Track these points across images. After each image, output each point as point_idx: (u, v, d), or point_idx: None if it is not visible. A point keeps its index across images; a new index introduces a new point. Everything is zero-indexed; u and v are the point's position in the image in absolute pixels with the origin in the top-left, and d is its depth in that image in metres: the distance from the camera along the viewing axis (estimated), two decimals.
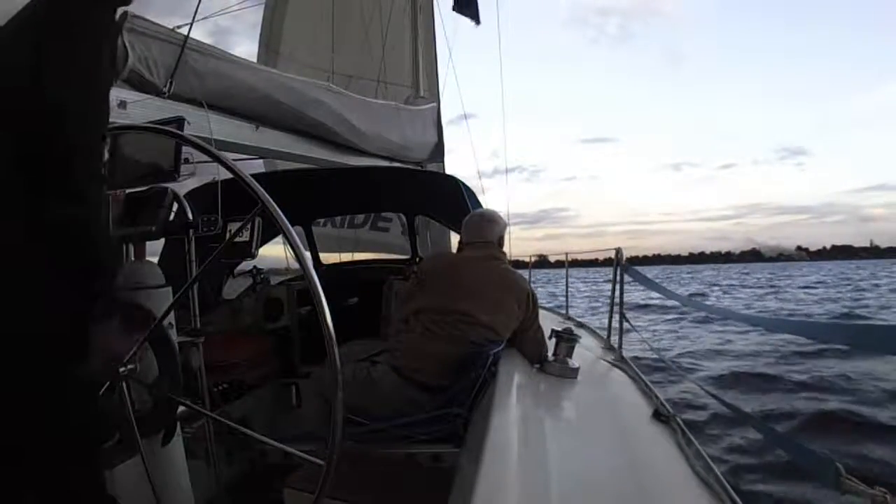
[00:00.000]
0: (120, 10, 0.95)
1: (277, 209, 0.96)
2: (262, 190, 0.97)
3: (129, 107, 1.64)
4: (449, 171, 4.08)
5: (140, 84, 1.73)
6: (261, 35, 5.42)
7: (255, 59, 4.72)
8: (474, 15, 4.85)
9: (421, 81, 4.51)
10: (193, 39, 1.85)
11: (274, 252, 3.00)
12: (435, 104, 3.89)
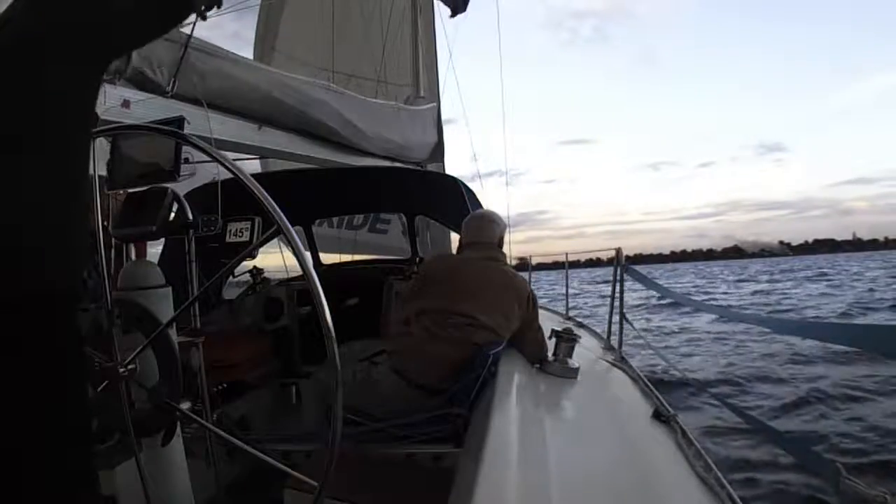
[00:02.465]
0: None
1: (277, 209, 0.96)
2: (262, 190, 0.97)
3: (133, 106, 1.64)
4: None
5: (143, 83, 1.73)
6: (256, 32, 5.40)
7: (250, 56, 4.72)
8: (455, 9, 4.80)
9: (421, 81, 4.51)
10: (196, 39, 1.85)
11: (274, 252, 3.01)
12: (435, 104, 3.89)
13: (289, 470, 0.96)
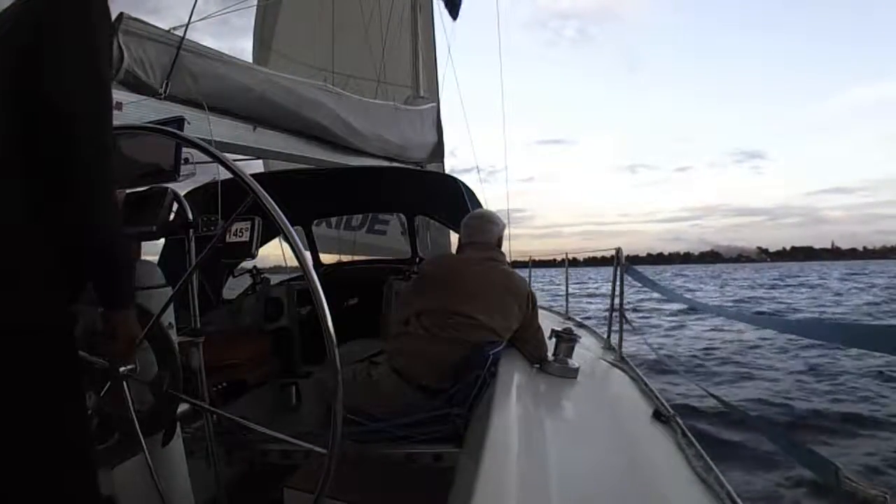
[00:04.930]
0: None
1: (277, 209, 0.96)
2: (262, 190, 0.97)
3: (125, 108, 1.64)
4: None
5: (136, 85, 1.73)
6: (254, 31, 5.41)
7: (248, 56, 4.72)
8: (454, 11, 4.86)
9: (421, 81, 4.51)
10: (189, 41, 1.85)
11: (274, 252, 3.01)
12: (434, 104, 3.89)
13: (296, 441, 0.98)
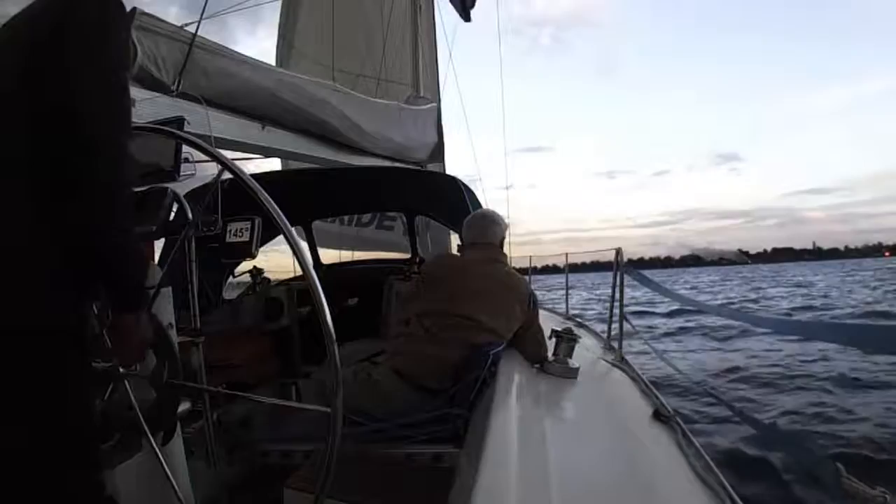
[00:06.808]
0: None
1: (277, 209, 0.96)
2: (261, 189, 0.97)
3: (138, 105, 1.64)
4: None
5: (149, 82, 1.72)
6: (279, 27, 5.42)
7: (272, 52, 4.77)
8: (466, 13, 4.86)
9: (421, 81, 4.51)
10: (202, 38, 1.85)
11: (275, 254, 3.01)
12: (435, 104, 3.90)
13: (300, 404, 0.97)
